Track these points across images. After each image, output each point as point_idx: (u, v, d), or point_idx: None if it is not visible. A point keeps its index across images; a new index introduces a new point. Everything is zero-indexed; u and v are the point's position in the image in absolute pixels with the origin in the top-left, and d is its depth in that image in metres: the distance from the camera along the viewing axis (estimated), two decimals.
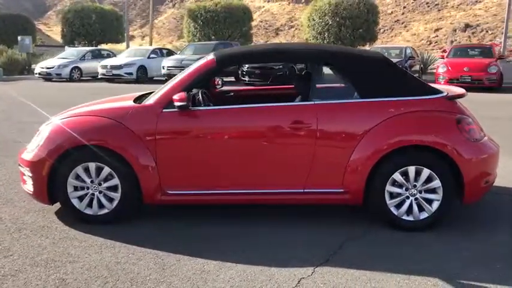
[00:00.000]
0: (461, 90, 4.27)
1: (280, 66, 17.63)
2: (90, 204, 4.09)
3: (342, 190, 3.97)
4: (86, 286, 3.09)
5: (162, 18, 61.83)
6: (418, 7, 49.52)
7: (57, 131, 4.09)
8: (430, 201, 3.93)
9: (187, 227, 4.08)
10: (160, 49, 22.56)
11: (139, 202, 4.10)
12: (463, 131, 3.92)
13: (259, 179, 4.01)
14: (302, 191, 3.99)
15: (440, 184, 3.88)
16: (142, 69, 20.12)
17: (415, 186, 3.92)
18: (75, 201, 4.08)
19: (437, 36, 42.46)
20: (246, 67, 18.27)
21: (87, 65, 21.47)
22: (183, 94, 3.89)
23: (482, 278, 3.21)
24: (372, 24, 21.68)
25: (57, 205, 4.39)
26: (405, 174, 3.91)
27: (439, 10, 46.89)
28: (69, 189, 4.05)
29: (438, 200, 3.91)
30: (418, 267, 3.34)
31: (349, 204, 4.06)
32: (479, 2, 49.61)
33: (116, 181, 4.01)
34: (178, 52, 21.54)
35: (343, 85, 4.50)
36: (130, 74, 19.77)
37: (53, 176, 4.04)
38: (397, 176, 3.90)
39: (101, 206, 4.08)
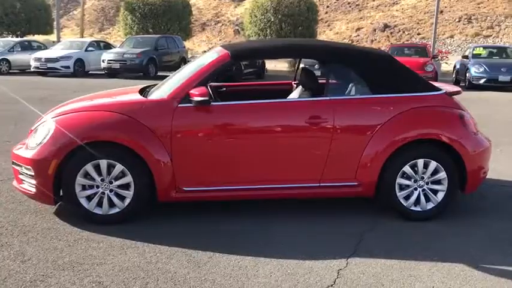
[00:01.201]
0: (457, 88, 4.53)
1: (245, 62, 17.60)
2: (99, 204, 3.91)
3: (355, 183, 4.08)
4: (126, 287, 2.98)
5: (81, 9, 59.20)
6: (340, 7, 51.18)
7: (65, 126, 3.86)
8: (435, 192, 4.15)
9: (205, 223, 4.02)
10: (98, 42, 21.70)
11: (153, 200, 3.97)
12: (465, 125, 4.18)
13: (276, 173, 4.02)
14: (318, 184, 4.07)
15: (445, 175, 4.10)
16: (79, 62, 19.23)
17: (422, 178, 4.12)
18: (83, 201, 3.88)
19: (358, 35, 44.18)
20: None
21: (17, 57, 20.18)
22: (204, 89, 3.82)
23: (500, 261, 3.45)
24: (312, 22, 22.21)
25: (50, 206, 4.17)
26: (414, 167, 4.10)
27: (359, 10, 48.77)
28: (77, 188, 3.84)
29: (443, 191, 4.14)
30: (439, 255, 3.52)
31: (361, 196, 4.19)
32: (397, 3, 52.29)
33: (128, 179, 3.86)
34: (118, 45, 20.82)
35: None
36: (67, 67, 18.83)
37: (59, 175, 3.81)
38: (407, 168, 4.08)
39: (111, 205, 3.91)
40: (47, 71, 18.86)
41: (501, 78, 15.71)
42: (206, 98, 3.79)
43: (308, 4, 21.62)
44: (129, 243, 3.60)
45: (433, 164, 4.09)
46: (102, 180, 3.87)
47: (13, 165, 4.13)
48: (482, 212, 4.44)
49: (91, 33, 52.50)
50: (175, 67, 20.13)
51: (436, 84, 4.60)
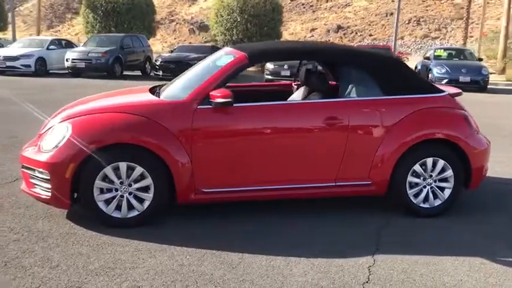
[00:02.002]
0: (457, 89, 4.74)
1: (196, 62, 17.47)
2: (118, 207, 3.84)
3: (369, 182, 4.20)
4: None
5: (28, 6, 56.87)
6: (294, 7, 51.83)
7: (83, 129, 3.78)
8: (442, 189, 4.33)
9: (224, 224, 4.02)
10: (59, 40, 21.03)
11: (172, 202, 3.95)
12: (469, 125, 4.38)
13: (294, 174, 4.08)
14: (334, 184, 4.16)
15: (452, 173, 4.29)
16: (41, 61, 18.56)
17: (431, 176, 4.29)
18: (101, 205, 3.81)
19: (313, 36, 44.91)
20: (159, 61, 17.85)
21: None
22: (226, 90, 3.83)
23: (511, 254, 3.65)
24: (277, 22, 22.40)
25: (61, 210, 4.08)
26: (423, 165, 4.26)
27: (313, 11, 49.57)
28: (96, 192, 3.77)
29: (450, 188, 4.32)
30: (457, 250, 3.69)
31: (373, 195, 4.31)
32: (349, 5, 53.54)
33: (148, 181, 3.82)
34: (81, 44, 20.29)
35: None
36: (28, 66, 18.12)
37: (77, 179, 3.72)
38: (417, 167, 4.24)
39: (130, 208, 3.86)
40: (5, 69, 18.11)
41: (462, 79, 16.38)
42: (230, 100, 3.80)
43: (273, 5, 21.80)
44: (155, 246, 3.57)
45: (440, 163, 4.26)
46: (121, 183, 3.81)
47: (23, 169, 4.00)
48: (484, 208, 4.65)
49: (39, 30, 50.75)
50: (140, 66, 19.90)
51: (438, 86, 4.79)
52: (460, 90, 4.72)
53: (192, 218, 4.12)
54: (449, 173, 4.29)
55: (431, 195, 4.32)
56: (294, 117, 4.05)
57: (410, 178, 4.25)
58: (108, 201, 3.82)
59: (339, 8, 53.90)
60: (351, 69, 4.23)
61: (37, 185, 3.89)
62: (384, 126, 4.16)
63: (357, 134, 4.13)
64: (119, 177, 3.79)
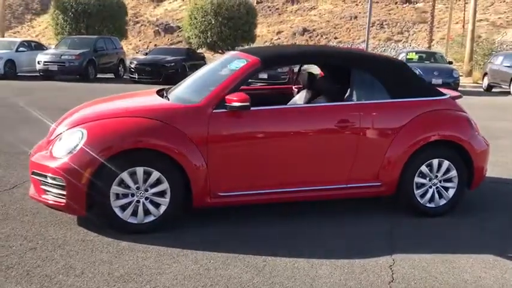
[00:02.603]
0: (457, 93, 4.90)
1: (173, 64, 17.39)
2: (133, 213, 3.80)
3: (379, 183, 4.29)
4: None
5: None
6: (261, 10, 52.13)
7: (99, 134, 3.72)
8: (447, 189, 4.46)
9: (244, 227, 4.03)
10: (29, 42, 20.45)
11: (187, 207, 3.93)
12: (472, 127, 4.54)
13: (308, 176, 4.14)
14: (345, 186, 4.23)
15: (456, 174, 4.43)
16: (10, 63, 17.99)
17: (436, 176, 4.42)
18: (117, 210, 3.76)
19: (279, 38, 45.31)
20: (134, 64, 17.61)
21: None
22: (243, 94, 3.84)
23: None
24: (252, 25, 22.48)
25: (70, 216, 4.02)
26: (429, 166, 4.38)
27: (279, 14, 50.01)
28: (112, 197, 3.72)
29: (454, 188, 4.46)
30: (468, 247, 3.81)
31: (382, 195, 4.40)
32: (314, 8, 54.25)
33: (164, 186, 3.79)
34: (53, 46, 19.82)
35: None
36: None
37: (93, 184, 3.66)
38: (423, 168, 4.36)
39: (146, 213, 3.82)
40: None
41: (434, 81, 16.79)
42: (247, 104, 3.82)
43: (248, 8, 21.86)
44: (177, 251, 3.55)
45: (445, 163, 4.40)
46: (138, 188, 3.77)
47: (33, 176, 3.90)
48: (484, 207, 4.82)
49: (4, 31, 49.31)
50: (114, 69, 19.58)
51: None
52: (460, 94, 4.88)
53: (208, 222, 4.10)
54: (453, 173, 4.43)
55: (436, 195, 4.44)
56: (309, 120, 4.10)
57: (417, 179, 4.37)
58: (124, 207, 3.77)
59: (304, 11, 54.49)
60: (360, 72, 4.31)
61: (49, 191, 3.80)
62: (393, 129, 4.26)
63: (367, 136, 4.21)
64: (135, 182, 3.75)
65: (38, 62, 17.55)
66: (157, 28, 47.85)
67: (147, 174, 3.76)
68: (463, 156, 4.45)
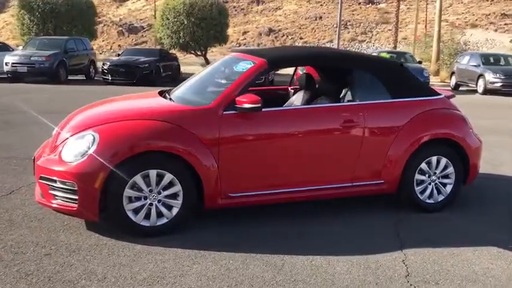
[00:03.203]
0: (450, 92, 5.08)
1: (147, 65, 17.21)
2: (146, 216, 3.79)
3: (382, 181, 4.42)
4: None
5: None
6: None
7: (112, 137, 3.70)
8: (444, 185, 4.63)
9: (256, 226, 4.08)
10: None
11: (199, 208, 3.95)
12: (467, 125, 4.73)
13: (315, 176, 4.22)
14: (350, 184, 4.33)
15: (453, 170, 4.60)
16: None
17: (435, 173, 4.58)
18: (130, 214, 3.74)
19: (245, 39, 45.48)
20: (107, 65, 17.33)
21: None
22: (255, 96, 3.89)
23: None
24: (224, 26, 22.47)
25: (77, 221, 3.97)
26: (428, 163, 4.54)
27: (245, 14, 50.24)
28: (125, 201, 3.70)
29: (451, 184, 4.63)
30: (471, 240, 3.97)
31: (385, 193, 4.53)
32: (279, 9, 54.69)
33: (177, 188, 3.80)
34: (20, 47, 19.27)
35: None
36: None
37: (106, 188, 3.64)
38: (423, 165, 4.51)
39: (158, 216, 3.82)
40: None
41: None
42: (259, 105, 3.87)
43: (219, 8, 21.84)
44: (193, 252, 3.56)
45: (443, 160, 4.56)
46: (151, 190, 3.76)
47: (41, 181, 3.83)
48: (478, 201, 5.02)
49: None
50: (85, 70, 19.20)
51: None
52: (453, 93, 5.07)
53: (218, 223, 4.13)
54: (450, 170, 4.60)
55: (435, 191, 4.61)
56: (317, 121, 4.19)
57: (417, 176, 4.52)
58: (136, 210, 3.76)
59: (269, 11, 54.78)
60: (363, 73, 4.42)
61: (58, 196, 3.75)
62: (394, 128, 4.39)
63: (371, 136, 4.32)
64: (148, 185, 3.75)
65: (6, 64, 17.03)
66: (120, 28, 47.13)
67: (160, 177, 3.75)
68: (459, 153, 4.63)
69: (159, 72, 17.83)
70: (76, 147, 3.74)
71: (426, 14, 37.86)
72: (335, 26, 50.09)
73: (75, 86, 16.22)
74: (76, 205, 3.66)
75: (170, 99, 4.44)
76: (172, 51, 21.67)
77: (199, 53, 22.91)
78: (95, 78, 19.32)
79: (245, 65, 4.26)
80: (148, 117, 3.88)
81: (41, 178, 3.82)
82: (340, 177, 4.30)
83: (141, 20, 50.31)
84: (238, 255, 3.55)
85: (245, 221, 4.20)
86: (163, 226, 3.83)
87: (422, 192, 4.57)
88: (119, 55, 19.30)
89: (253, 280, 3.19)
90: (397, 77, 4.61)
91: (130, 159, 3.65)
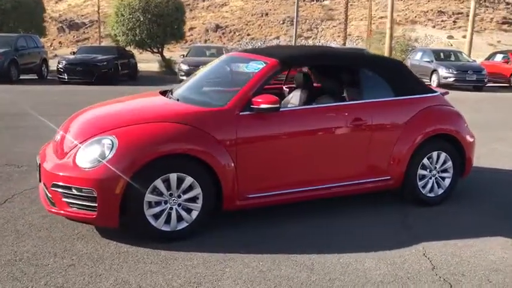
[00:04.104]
0: (444, 90, 5.27)
1: (105, 63, 16.71)
2: (166, 220, 3.71)
3: (388, 177, 4.53)
4: None
5: None
6: None
7: (132, 141, 3.58)
8: (443, 179, 4.82)
9: (269, 227, 4.07)
10: None
11: (217, 211, 3.91)
12: (463, 120, 4.93)
13: (329, 174, 4.27)
14: (360, 181, 4.42)
15: (451, 164, 4.79)
16: None
17: (435, 168, 4.75)
18: (150, 219, 3.65)
19: (192, 35, 45.23)
20: (63, 63, 16.66)
21: None
22: (272, 96, 3.88)
23: None
24: (181, 22, 22.13)
25: (88, 229, 3.85)
26: (430, 158, 4.70)
27: (191, 10, 49.88)
28: (145, 206, 3.60)
29: (449, 178, 4.83)
30: (479, 231, 4.15)
31: (390, 188, 4.64)
32: (226, 5, 54.72)
33: (196, 191, 3.74)
34: None
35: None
36: None
37: (127, 194, 3.53)
38: (425, 160, 4.67)
39: (178, 220, 3.75)
40: None
41: None
42: (277, 105, 3.86)
43: (177, 4, 21.51)
44: (220, 256, 3.52)
45: (443, 155, 4.74)
46: (171, 194, 3.68)
47: (53, 188, 3.66)
48: (474, 194, 5.23)
49: None
50: (37, 69, 18.39)
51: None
52: (447, 91, 5.27)
53: (238, 224, 4.09)
54: (449, 164, 4.78)
55: (435, 185, 4.78)
56: (331, 119, 4.24)
57: (420, 171, 4.67)
58: (156, 215, 3.67)
59: (216, 7, 54.59)
60: (370, 72, 4.51)
61: (74, 204, 3.60)
62: (399, 125, 4.52)
63: (378, 133, 4.43)
64: (168, 189, 3.67)
65: None
66: (60, 24, 45.47)
67: (180, 180, 3.68)
68: (457, 148, 4.82)
69: (118, 70, 17.36)
70: (92, 153, 3.60)
71: (370, 11, 38.94)
72: (281, 22, 50.65)
73: (31, 86, 15.48)
74: (95, 213, 3.53)
75: (177, 99, 4.36)
76: (128, 48, 21.14)
77: (155, 50, 22.46)
78: (48, 77, 18.55)
79: (256, 65, 4.24)
80: (165, 120, 3.79)
81: (54, 186, 3.65)
82: (352, 174, 4.38)
83: (82, 16, 48.76)
84: (266, 256, 3.54)
85: (262, 221, 4.19)
86: (183, 230, 3.76)
87: (424, 186, 4.73)
88: (73, 53, 18.62)
89: (290, 281, 3.20)
90: (399, 75, 4.74)
91: (151, 163, 3.55)
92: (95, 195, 3.49)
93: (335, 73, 4.81)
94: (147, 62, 23.71)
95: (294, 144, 4.11)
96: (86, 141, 3.71)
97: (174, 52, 27.08)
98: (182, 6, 22.19)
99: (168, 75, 21.25)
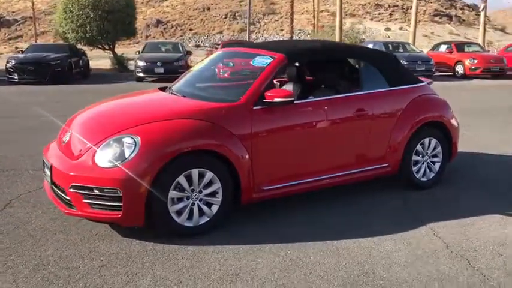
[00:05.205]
0: (429, 79, 5.55)
1: (58, 62, 16.14)
2: (189, 216, 3.75)
3: (386, 164, 4.76)
4: (316, 286, 3.10)
5: None
6: None
7: (156, 138, 3.58)
8: (434, 163, 5.11)
9: (286, 216, 4.18)
10: None
11: (236, 204, 3.98)
12: (450, 108, 5.24)
13: (337, 163, 4.43)
14: (363, 169, 4.61)
15: (441, 150, 5.09)
16: None
17: (427, 153, 5.03)
18: (174, 215, 3.67)
19: None
20: (13, 63, 15.95)
21: None
22: (285, 90, 3.99)
23: None
24: (133, 18, 21.67)
25: (107, 229, 3.82)
26: (422, 145, 4.97)
27: None
28: (169, 203, 3.62)
29: (439, 162, 5.12)
30: (474, 211, 4.42)
31: (388, 175, 4.87)
32: (166, 0, 54.14)
33: (216, 186, 3.79)
34: None
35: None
36: None
37: (152, 192, 3.53)
38: (419, 147, 4.94)
39: (200, 215, 3.79)
40: None
41: None
42: (291, 99, 3.97)
43: (127, 0, 21.04)
44: (248, 247, 3.60)
45: (433, 141, 5.03)
46: (193, 190, 3.72)
47: (72, 190, 3.59)
48: (460, 176, 5.56)
49: None
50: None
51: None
52: (431, 80, 5.56)
53: (252, 215, 4.17)
54: (439, 149, 5.08)
55: (427, 170, 5.06)
56: (339, 110, 4.40)
57: (414, 157, 4.93)
58: (179, 212, 3.69)
59: (156, 2, 53.79)
60: (368, 65, 4.71)
61: (96, 204, 3.56)
62: (395, 114, 4.76)
63: (377, 123, 4.64)
64: (190, 185, 3.70)
65: None
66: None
67: (201, 175, 3.72)
68: (445, 134, 5.12)
69: (71, 68, 16.84)
70: (113, 152, 3.57)
71: (318, 5, 39.69)
72: (224, 16, 50.59)
73: None
74: (120, 212, 3.51)
75: (184, 96, 4.37)
76: (79, 46, 20.49)
77: (106, 47, 21.89)
78: None
79: (263, 60, 4.31)
80: (183, 116, 3.81)
81: (73, 187, 3.58)
82: (357, 162, 4.57)
83: (13, 12, 46.65)
84: (290, 245, 3.65)
85: (267, 214, 4.29)
86: (205, 225, 3.81)
87: (418, 171, 4.99)
88: (22, 52, 17.85)
89: (322, 267, 3.33)
90: (392, 67, 4.96)
91: (174, 160, 3.57)
92: (120, 195, 3.47)
93: (333, 66, 4.98)
94: (99, 59, 23.11)
95: (305, 136, 4.23)
96: (104, 140, 3.66)
97: (121, 48, 26.36)
98: (133, 2, 21.71)
99: (120, 72, 20.83)
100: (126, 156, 3.52)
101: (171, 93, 4.56)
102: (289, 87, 5.22)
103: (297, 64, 5.15)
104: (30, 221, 4.04)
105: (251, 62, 4.48)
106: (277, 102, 3.97)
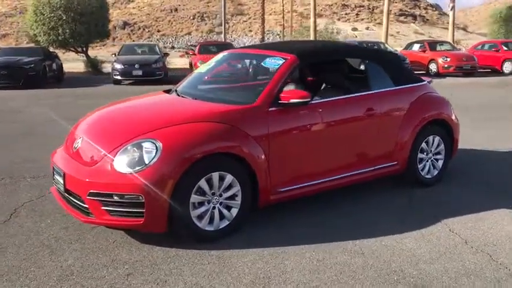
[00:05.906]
0: (429, 78, 5.64)
1: (32, 65, 15.71)
2: (210, 220, 3.69)
3: (395, 162, 4.81)
4: (350, 286, 3.10)
5: None
6: None
7: (177, 142, 3.51)
8: (437, 161, 5.19)
9: (301, 217, 4.17)
10: None
11: (254, 207, 3.94)
12: (450, 106, 5.33)
13: (351, 162, 4.45)
14: (375, 167, 4.65)
15: (444, 147, 5.18)
16: None
17: (431, 151, 5.11)
18: (195, 220, 3.61)
19: None
20: None
21: None
22: (301, 91, 3.98)
23: None
24: (106, 20, 21.30)
25: (123, 236, 3.74)
26: (426, 142, 5.05)
27: None
28: (191, 207, 3.56)
29: (442, 159, 5.21)
30: (480, 207, 4.50)
31: (396, 173, 4.92)
32: (132, 1, 53.62)
33: (236, 189, 3.75)
34: None
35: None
36: None
37: (174, 196, 3.46)
38: (423, 144, 5.01)
39: (221, 218, 3.74)
40: None
41: None
42: (308, 99, 3.96)
43: (100, 2, 20.67)
44: (273, 250, 3.57)
45: (437, 139, 5.12)
46: (213, 194, 3.67)
47: (90, 197, 3.49)
48: (461, 173, 5.67)
49: None
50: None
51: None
52: (431, 79, 5.66)
53: (266, 217, 4.14)
54: (442, 147, 5.17)
55: (431, 167, 5.14)
56: (353, 110, 4.44)
57: (420, 155, 5.00)
58: (200, 216, 3.63)
59: (122, 3, 53.17)
60: (375, 65, 4.75)
61: (115, 211, 3.47)
62: (401, 113, 4.81)
63: (385, 121, 4.68)
64: (211, 189, 3.64)
65: None
66: None
67: (221, 179, 3.67)
68: (447, 132, 5.21)
69: (46, 72, 16.42)
70: (132, 157, 3.49)
71: (283, 5, 39.87)
72: (192, 17, 50.33)
73: None
74: (142, 218, 3.43)
75: (195, 98, 4.32)
76: (51, 49, 20.01)
77: (79, 49, 21.44)
78: None
79: (275, 61, 4.30)
80: (201, 120, 3.75)
81: (91, 194, 3.48)
82: (367, 162, 4.60)
83: None
84: (314, 246, 3.64)
85: (279, 217, 4.27)
86: (225, 228, 3.76)
87: (423, 169, 5.07)
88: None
89: (351, 267, 3.33)
90: (396, 66, 5.02)
91: (195, 164, 3.51)
92: (142, 201, 3.39)
93: (340, 66, 5.00)
94: (72, 62, 22.61)
95: (319, 136, 4.23)
96: (122, 145, 3.57)
97: (90, 51, 25.86)
98: (106, 4, 21.35)
99: (94, 75, 20.43)
100: (147, 162, 3.44)
101: (180, 96, 4.49)
102: (291, 88, 5.22)
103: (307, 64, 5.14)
104: (41, 231, 3.91)
105: (262, 64, 4.45)
106: (293, 103, 3.96)
